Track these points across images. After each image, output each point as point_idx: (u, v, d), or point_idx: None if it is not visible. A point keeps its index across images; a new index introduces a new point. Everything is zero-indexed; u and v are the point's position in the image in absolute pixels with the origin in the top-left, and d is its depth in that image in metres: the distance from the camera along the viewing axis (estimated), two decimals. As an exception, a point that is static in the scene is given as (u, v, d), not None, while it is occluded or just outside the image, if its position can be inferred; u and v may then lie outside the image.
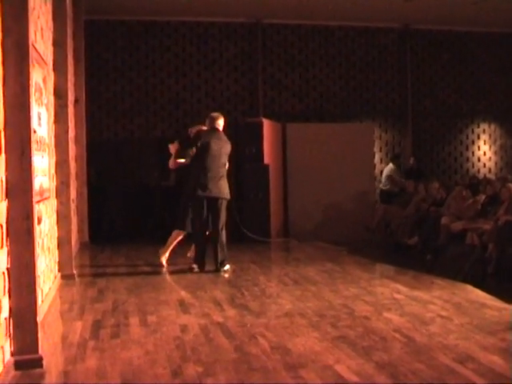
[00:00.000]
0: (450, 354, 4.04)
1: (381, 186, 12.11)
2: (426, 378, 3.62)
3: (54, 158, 6.79)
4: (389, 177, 12.00)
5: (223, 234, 7.38)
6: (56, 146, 6.85)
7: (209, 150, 7.34)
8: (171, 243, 7.78)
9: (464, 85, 13.43)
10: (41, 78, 5.65)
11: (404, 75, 13.08)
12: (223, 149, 7.49)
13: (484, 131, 13.61)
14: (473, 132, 13.56)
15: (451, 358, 3.96)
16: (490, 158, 13.66)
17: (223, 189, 7.41)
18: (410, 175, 11.82)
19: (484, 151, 13.62)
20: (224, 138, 7.55)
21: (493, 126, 13.61)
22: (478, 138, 13.58)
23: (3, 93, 3.86)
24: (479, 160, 13.61)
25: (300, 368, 3.83)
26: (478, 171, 13.48)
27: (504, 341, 4.34)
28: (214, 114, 7.66)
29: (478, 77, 13.47)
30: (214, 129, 7.52)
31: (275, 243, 10.18)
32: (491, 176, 13.16)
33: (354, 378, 3.64)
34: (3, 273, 3.78)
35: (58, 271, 6.86)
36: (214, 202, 7.36)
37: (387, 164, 12.39)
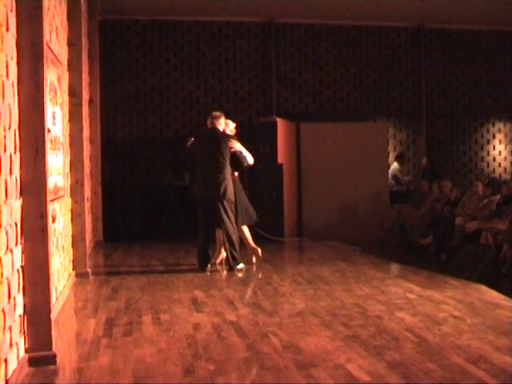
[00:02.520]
0: (463, 355, 4.03)
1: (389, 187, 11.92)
2: (437, 378, 3.61)
3: (69, 156, 6.85)
4: (394, 176, 11.93)
5: (234, 233, 7.37)
6: (70, 145, 6.91)
7: (200, 151, 7.45)
8: (245, 239, 7.81)
9: (479, 84, 13.32)
10: (55, 78, 5.70)
11: (418, 74, 13.00)
12: (216, 148, 7.34)
13: (499, 130, 13.48)
14: (488, 131, 13.45)
15: (464, 359, 3.95)
16: (506, 157, 13.53)
17: (220, 189, 7.24)
18: (423, 175, 11.73)
19: (499, 150, 13.49)
20: (217, 136, 7.42)
21: (508, 125, 13.48)
22: (494, 137, 13.46)
23: (18, 92, 3.91)
24: (494, 159, 13.49)
25: (312, 367, 3.84)
26: (493, 171, 13.37)
27: (517, 341, 4.32)
28: (215, 114, 7.64)
29: (492, 75, 13.35)
30: (208, 129, 7.56)
31: (288, 242, 10.18)
32: (506, 176, 13.07)
33: (366, 378, 3.64)
34: (18, 270, 3.82)
35: (73, 269, 6.92)
36: (213, 202, 7.33)
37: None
